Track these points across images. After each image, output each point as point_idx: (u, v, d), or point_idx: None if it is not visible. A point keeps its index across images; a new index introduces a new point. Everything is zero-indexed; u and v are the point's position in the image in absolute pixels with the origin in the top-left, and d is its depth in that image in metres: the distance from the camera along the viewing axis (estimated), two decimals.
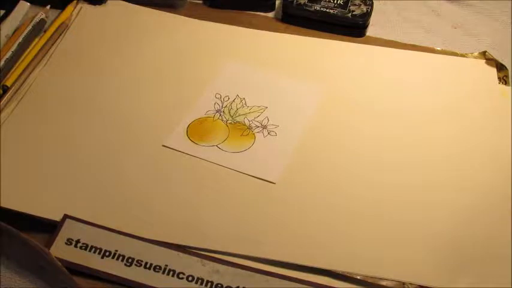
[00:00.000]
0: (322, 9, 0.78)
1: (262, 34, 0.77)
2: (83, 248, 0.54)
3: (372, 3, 0.79)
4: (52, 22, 0.76)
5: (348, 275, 0.54)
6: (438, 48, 0.77)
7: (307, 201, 0.60)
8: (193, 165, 0.62)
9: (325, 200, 0.60)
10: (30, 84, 0.69)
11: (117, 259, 0.53)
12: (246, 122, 0.67)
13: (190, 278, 0.53)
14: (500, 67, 0.73)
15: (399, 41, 0.78)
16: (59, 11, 0.77)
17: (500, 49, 0.77)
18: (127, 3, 0.80)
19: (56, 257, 0.52)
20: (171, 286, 0.52)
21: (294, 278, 0.53)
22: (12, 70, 0.69)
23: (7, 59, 0.69)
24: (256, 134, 0.66)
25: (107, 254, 0.54)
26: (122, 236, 0.55)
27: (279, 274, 0.53)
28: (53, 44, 0.73)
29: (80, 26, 0.76)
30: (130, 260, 0.53)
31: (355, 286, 0.54)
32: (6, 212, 0.56)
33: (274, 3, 0.81)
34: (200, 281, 0.53)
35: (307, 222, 0.58)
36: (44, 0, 0.77)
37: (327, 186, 0.61)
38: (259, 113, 0.68)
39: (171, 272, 0.53)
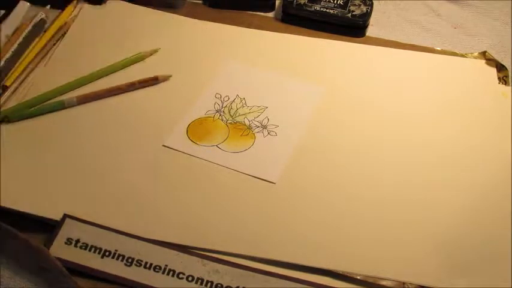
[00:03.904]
0: (322, 9, 0.78)
1: (262, 34, 0.77)
2: (83, 247, 0.54)
3: (372, 3, 0.79)
4: (52, 22, 0.76)
5: (348, 275, 0.54)
6: (438, 48, 0.77)
7: (307, 201, 0.60)
8: (193, 165, 0.62)
9: (325, 200, 0.60)
10: (30, 84, 0.69)
11: (117, 259, 0.53)
12: (246, 122, 0.67)
13: (190, 278, 0.53)
14: (500, 67, 0.73)
15: (399, 41, 0.78)
16: (59, 11, 0.77)
17: (500, 49, 0.77)
18: (127, 3, 0.80)
19: (56, 257, 0.52)
20: (171, 286, 0.52)
21: (294, 278, 0.53)
22: (12, 70, 0.69)
23: (7, 59, 0.69)
24: (256, 134, 0.66)
25: (107, 254, 0.54)
26: (122, 236, 0.55)
27: (279, 274, 0.53)
28: (54, 44, 0.74)
29: (80, 26, 0.76)
30: (130, 260, 0.53)
31: (355, 286, 0.54)
32: (6, 212, 0.56)
33: (274, 3, 0.81)
34: (200, 281, 0.53)
35: (307, 222, 0.58)
36: (44, 0, 0.77)
37: (326, 186, 0.61)
38: (259, 113, 0.68)
39: (171, 272, 0.53)
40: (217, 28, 0.78)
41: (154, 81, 0.70)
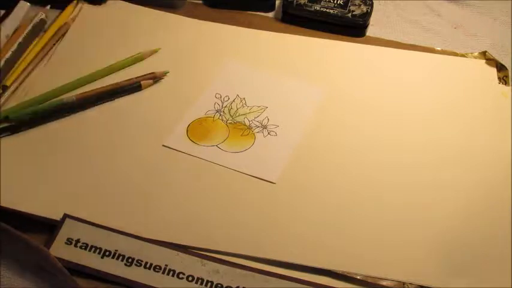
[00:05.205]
0: (322, 9, 0.78)
1: (262, 34, 0.77)
2: (83, 247, 0.54)
3: (372, 3, 0.79)
4: (52, 22, 0.76)
5: (348, 275, 0.54)
6: (438, 48, 0.77)
7: (307, 201, 0.60)
8: (193, 165, 0.62)
9: (325, 200, 0.60)
10: (30, 84, 0.69)
11: (117, 259, 0.53)
12: (246, 122, 0.67)
13: (190, 278, 0.53)
14: (500, 67, 0.73)
15: (399, 41, 0.78)
16: (59, 11, 0.77)
17: (500, 49, 0.77)
18: (127, 3, 0.80)
19: (56, 257, 0.52)
20: (171, 286, 0.52)
21: (294, 278, 0.53)
22: (12, 70, 0.69)
23: (7, 59, 0.69)
24: (256, 134, 0.66)
25: (107, 254, 0.54)
26: (122, 236, 0.55)
27: (279, 274, 0.53)
28: (54, 44, 0.74)
29: (80, 26, 0.76)
30: (130, 260, 0.53)
31: (355, 286, 0.54)
32: (6, 212, 0.56)
33: (274, 3, 0.81)
34: (200, 281, 0.53)
35: (307, 222, 0.58)
36: (44, 0, 0.77)
37: (327, 186, 0.61)
38: (259, 113, 0.68)
39: (171, 272, 0.53)
40: (217, 28, 0.78)
41: (152, 77, 0.69)
